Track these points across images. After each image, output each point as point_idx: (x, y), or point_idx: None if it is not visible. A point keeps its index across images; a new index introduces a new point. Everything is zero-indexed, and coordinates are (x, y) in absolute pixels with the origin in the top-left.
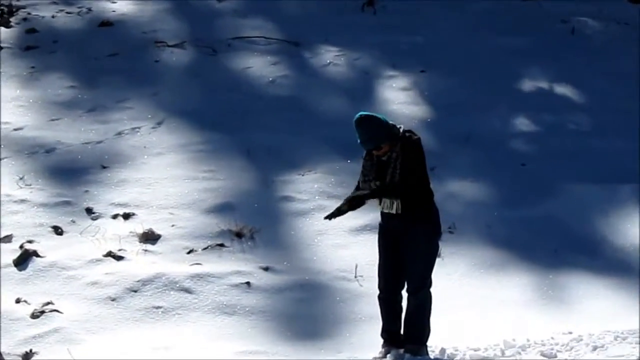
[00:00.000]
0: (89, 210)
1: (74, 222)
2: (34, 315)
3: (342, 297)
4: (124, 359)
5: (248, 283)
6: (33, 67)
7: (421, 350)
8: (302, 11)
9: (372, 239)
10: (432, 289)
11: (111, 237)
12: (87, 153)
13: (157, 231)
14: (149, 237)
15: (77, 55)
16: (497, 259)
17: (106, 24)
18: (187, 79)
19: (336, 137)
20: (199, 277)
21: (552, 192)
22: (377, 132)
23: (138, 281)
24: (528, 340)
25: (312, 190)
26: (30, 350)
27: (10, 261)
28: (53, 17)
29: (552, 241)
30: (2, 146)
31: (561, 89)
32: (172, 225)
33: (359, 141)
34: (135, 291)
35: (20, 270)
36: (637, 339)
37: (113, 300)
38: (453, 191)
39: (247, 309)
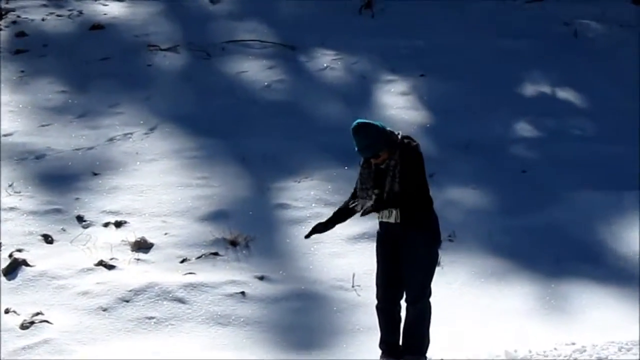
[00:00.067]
0: (80, 218)
1: (64, 230)
2: (24, 326)
3: (339, 307)
4: None
5: (243, 293)
6: (23, 72)
7: None
8: (298, 14)
9: (370, 247)
10: (431, 299)
11: (102, 245)
12: (78, 159)
13: (150, 240)
14: (142, 246)
15: (68, 59)
16: (498, 268)
17: (97, 27)
18: (181, 83)
19: (333, 143)
20: (192, 286)
21: (555, 199)
22: (375, 139)
23: (130, 291)
24: (530, 352)
25: (308, 198)
26: None
27: None
28: (43, 20)
29: (554, 249)
30: None
31: (563, 94)
32: (165, 234)
33: (356, 149)
34: (128, 301)
35: (9, 279)
36: None
37: (104, 310)
38: (453, 198)
39: (242, 320)
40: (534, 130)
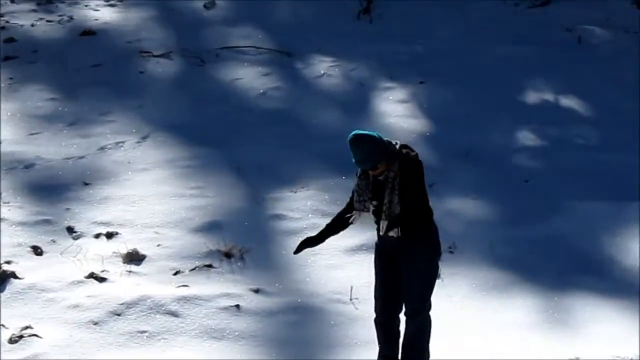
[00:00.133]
0: (70, 229)
1: (54, 241)
2: (12, 340)
3: (337, 320)
4: None
5: (237, 306)
6: (11, 79)
7: None
8: (294, 19)
9: (368, 259)
10: (431, 312)
11: (93, 257)
12: (68, 169)
13: (142, 251)
14: (133, 258)
15: (58, 65)
16: (500, 280)
17: (88, 33)
18: (174, 90)
19: (330, 152)
20: (185, 299)
21: (558, 210)
22: (373, 151)
23: (122, 304)
24: None
25: (305, 208)
26: None
27: None
28: (32, 25)
29: (558, 261)
30: None
31: (567, 101)
32: (158, 245)
33: (354, 161)
34: (119, 315)
35: None
36: None
37: (95, 324)
38: (453, 209)
39: (237, 334)
40: (537, 138)
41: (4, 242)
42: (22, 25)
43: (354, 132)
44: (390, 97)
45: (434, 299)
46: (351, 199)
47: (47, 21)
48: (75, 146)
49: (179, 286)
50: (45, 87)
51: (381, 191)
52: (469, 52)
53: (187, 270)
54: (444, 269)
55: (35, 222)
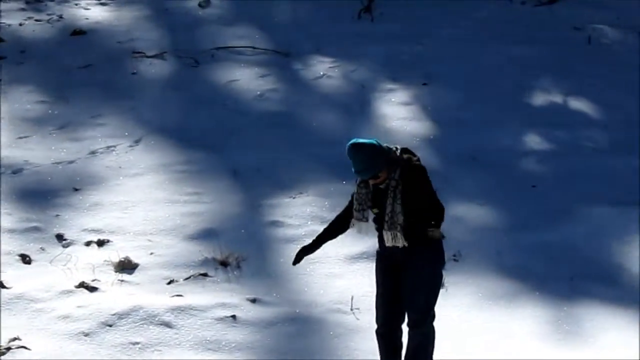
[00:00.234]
0: (60, 237)
1: (43, 249)
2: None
3: (337, 331)
4: None
5: (234, 316)
6: None
7: None
8: (292, 19)
9: (369, 268)
10: (435, 323)
11: (84, 266)
12: (57, 174)
13: (135, 260)
14: (126, 266)
15: (47, 66)
16: (507, 289)
17: (79, 32)
18: (168, 92)
19: (330, 156)
20: (180, 310)
21: (567, 216)
22: (373, 160)
23: (114, 314)
24: None
25: (303, 215)
26: None
27: None
28: (21, 25)
29: (567, 269)
30: None
31: (576, 103)
32: (151, 253)
33: (353, 170)
34: (111, 325)
35: None
36: None
37: (86, 335)
38: (458, 215)
39: (233, 345)
40: (545, 142)
41: None
42: (9, 25)
43: (352, 141)
44: (393, 99)
45: (437, 309)
46: (350, 202)
47: (36, 20)
48: (65, 150)
49: (173, 296)
50: (34, 89)
51: (383, 199)
52: (474, 52)
53: (181, 279)
54: (448, 278)
55: (23, 229)
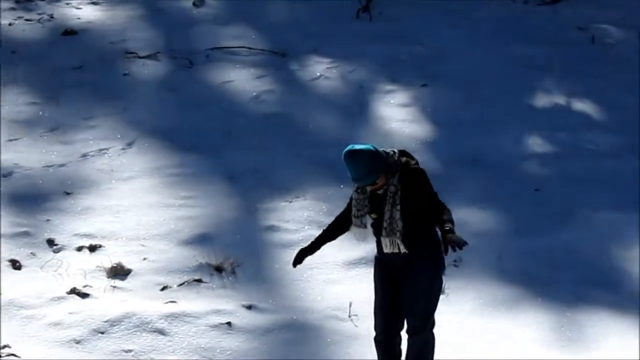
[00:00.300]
0: (51, 242)
1: (33, 255)
2: None
3: (334, 338)
4: None
5: (229, 323)
6: None
7: None
8: (289, 18)
9: (367, 274)
10: (435, 329)
11: (75, 272)
12: (48, 177)
13: (127, 265)
14: (118, 272)
15: (38, 67)
16: (509, 295)
17: (70, 32)
18: (161, 94)
19: (328, 159)
20: (174, 316)
21: (570, 220)
22: (371, 167)
23: (106, 321)
24: None
25: (300, 219)
26: None
27: None
28: (10, 24)
29: (570, 275)
30: None
31: (579, 105)
32: (144, 259)
33: (350, 177)
34: (103, 333)
35: None
36: None
37: (78, 342)
38: (459, 219)
39: (229, 353)
40: (547, 145)
41: None
42: None
43: (348, 148)
44: (392, 101)
45: (437, 315)
46: (349, 204)
47: (26, 20)
48: (56, 153)
49: (166, 302)
50: (24, 91)
51: (381, 204)
52: (474, 53)
53: (175, 285)
54: (448, 284)
55: (13, 234)
